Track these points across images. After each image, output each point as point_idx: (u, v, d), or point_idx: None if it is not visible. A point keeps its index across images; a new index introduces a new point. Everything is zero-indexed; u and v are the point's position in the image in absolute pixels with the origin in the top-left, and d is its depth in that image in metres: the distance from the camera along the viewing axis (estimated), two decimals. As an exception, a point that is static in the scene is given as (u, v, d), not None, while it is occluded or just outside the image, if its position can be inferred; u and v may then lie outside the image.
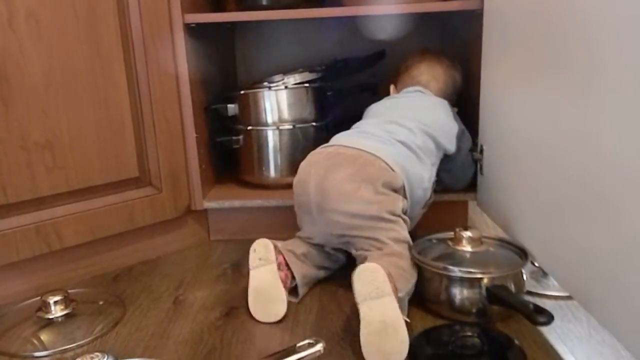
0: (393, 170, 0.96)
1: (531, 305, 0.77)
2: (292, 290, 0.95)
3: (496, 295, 0.82)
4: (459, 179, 1.17)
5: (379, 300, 0.77)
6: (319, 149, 1.03)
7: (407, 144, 1.02)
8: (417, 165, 1.01)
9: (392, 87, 1.26)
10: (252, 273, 0.91)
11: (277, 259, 0.92)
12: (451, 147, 1.10)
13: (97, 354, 0.53)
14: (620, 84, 0.63)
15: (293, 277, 0.94)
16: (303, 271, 0.96)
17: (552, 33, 0.81)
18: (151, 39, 1.07)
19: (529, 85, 0.89)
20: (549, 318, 0.74)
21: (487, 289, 0.83)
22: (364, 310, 0.77)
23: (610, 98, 0.66)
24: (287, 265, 0.94)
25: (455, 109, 1.20)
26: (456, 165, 1.14)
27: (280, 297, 0.89)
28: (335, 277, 1.01)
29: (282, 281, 0.91)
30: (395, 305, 0.77)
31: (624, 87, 0.63)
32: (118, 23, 1.03)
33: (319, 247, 1.01)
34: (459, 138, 1.12)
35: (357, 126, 1.10)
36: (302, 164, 1.01)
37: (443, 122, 1.11)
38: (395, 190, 0.95)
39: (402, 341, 0.75)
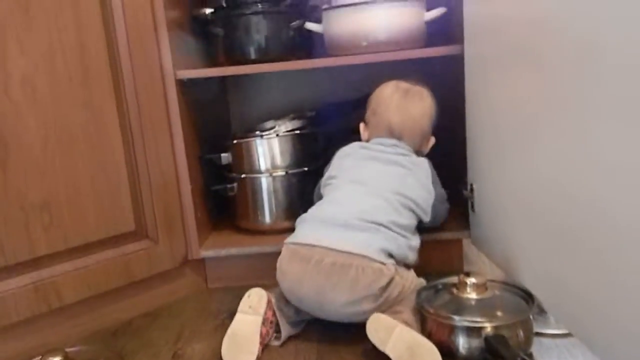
0: (384, 264, 0.95)
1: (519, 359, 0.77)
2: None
3: (492, 345, 0.82)
4: (437, 221, 1.16)
5: (394, 336, 0.85)
6: (301, 250, 0.98)
7: (390, 227, 1.00)
8: (401, 241, 1.01)
9: (362, 125, 1.19)
10: (237, 316, 0.95)
11: (265, 313, 0.95)
12: (428, 215, 1.10)
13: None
14: (612, 117, 0.65)
15: (276, 332, 0.98)
16: (289, 332, 0.99)
17: (529, 72, 0.84)
18: (145, 96, 1.10)
19: (514, 122, 0.91)
20: None
21: (486, 339, 0.83)
22: (391, 353, 0.85)
23: (604, 132, 0.67)
24: (273, 321, 0.97)
25: (433, 141, 1.19)
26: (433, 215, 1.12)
27: (252, 350, 0.92)
28: (335, 325, 1.01)
29: (262, 336, 0.93)
30: (408, 329, 0.85)
31: (609, 118, 0.65)
32: (112, 83, 1.06)
33: None
34: (435, 197, 1.12)
35: (331, 203, 1.06)
36: (289, 273, 0.98)
37: (424, 198, 1.09)
38: (390, 281, 0.95)
39: (431, 350, 0.84)
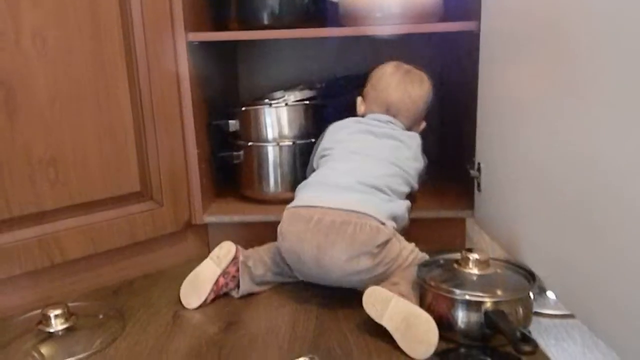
0: (383, 223, 0.98)
1: (518, 334, 0.77)
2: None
3: (491, 320, 0.82)
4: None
5: (390, 308, 0.86)
6: (302, 211, 1.00)
7: (387, 192, 1.05)
8: (399, 203, 1.06)
9: (359, 99, 1.22)
10: (204, 261, 1.03)
11: (227, 266, 1.02)
12: (416, 183, 1.16)
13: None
14: (619, 100, 0.65)
15: (237, 286, 1.04)
16: (249, 288, 1.05)
17: (548, 51, 0.83)
18: (154, 56, 1.09)
19: (527, 102, 0.90)
20: (533, 347, 0.74)
21: (486, 314, 0.83)
22: (387, 324, 0.86)
23: (610, 114, 0.67)
24: (235, 276, 1.03)
25: (424, 125, 1.23)
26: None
27: (201, 294, 1.01)
28: (335, 295, 1.02)
29: (217, 285, 1.02)
30: (404, 301, 0.86)
31: (624, 104, 0.64)
32: (122, 41, 1.05)
33: (285, 269, 1.07)
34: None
35: (331, 169, 1.09)
36: (289, 234, 1.00)
37: (415, 167, 1.14)
38: (388, 240, 0.97)
39: (427, 320, 0.84)
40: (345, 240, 0.95)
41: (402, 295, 0.88)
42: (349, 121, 1.18)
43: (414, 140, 1.16)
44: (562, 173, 0.79)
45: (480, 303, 0.84)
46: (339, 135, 1.15)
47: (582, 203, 0.74)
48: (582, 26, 0.73)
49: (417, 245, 1.05)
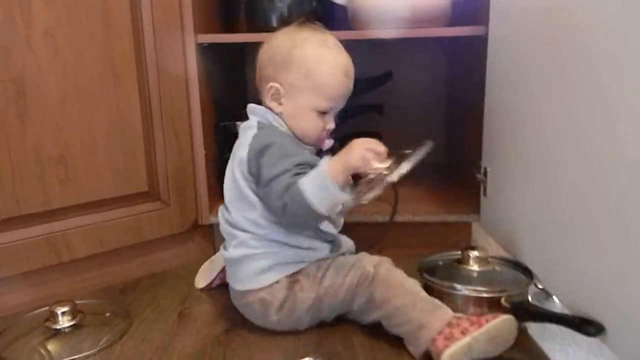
0: None
1: (577, 318, 0.76)
2: None
3: (529, 311, 0.84)
4: None
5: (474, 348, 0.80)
6: None
7: None
8: None
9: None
10: (212, 257, 1.12)
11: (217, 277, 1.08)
12: None
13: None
14: (628, 106, 0.65)
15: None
16: None
17: (556, 56, 0.83)
18: (163, 57, 1.10)
19: (534, 107, 0.90)
20: (598, 328, 0.72)
21: (515, 305, 0.84)
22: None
23: (617, 120, 0.67)
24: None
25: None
26: None
27: (208, 277, 1.08)
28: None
29: (223, 272, 1.03)
30: (472, 333, 0.80)
31: (631, 109, 0.64)
32: (132, 41, 1.06)
33: None
34: None
35: None
36: None
37: None
38: None
39: (504, 321, 0.82)
40: None
41: (455, 322, 0.82)
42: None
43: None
44: (568, 178, 0.80)
45: (495, 298, 0.86)
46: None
47: (587, 208, 0.74)
48: (591, 31, 0.73)
49: (424, 248, 1.05)
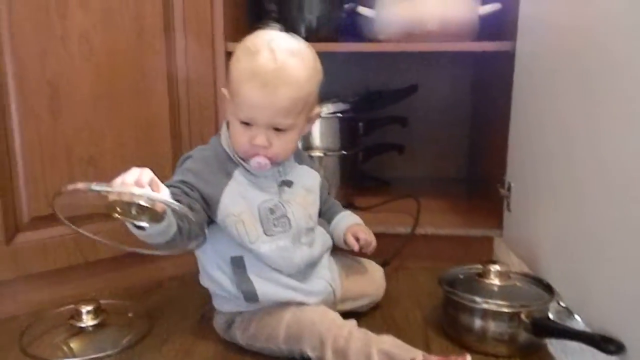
0: None
1: (597, 336, 0.75)
2: None
3: (549, 327, 0.84)
4: None
5: None
6: None
7: None
8: None
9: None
10: None
11: None
12: None
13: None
14: None
15: None
16: None
17: (584, 74, 0.83)
18: (194, 64, 1.12)
19: (561, 124, 0.90)
20: (618, 347, 0.71)
21: (535, 321, 0.84)
22: None
23: None
24: None
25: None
26: None
27: None
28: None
29: None
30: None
31: None
32: (164, 48, 1.08)
33: None
34: None
35: None
36: None
37: None
38: None
39: None
40: None
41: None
42: None
43: None
44: (595, 194, 0.79)
45: (515, 313, 0.85)
46: None
47: (614, 225, 0.74)
48: (620, 49, 0.73)
49: (444, 261, 1.05)
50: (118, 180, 0.69)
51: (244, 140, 0.83)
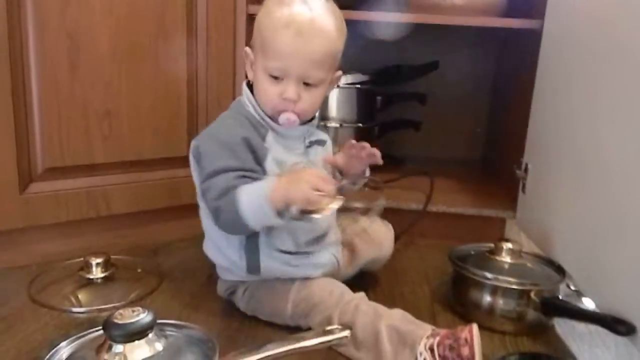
0: None
1: (608, 317, 0.75)
2: None
3: (559, 306, 0.84)
4: None
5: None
6: None
7: None
8: None
9: None
10: None
11: None
12: None
13: (138, 308, 0.56)
14: None
15: None
16: None
17: (612, 56, 0.81)
18: (214, 25, 1.11)
19: (587, 106, 0.88)
20: (629, 328, 0.71)
21: (545, 300, 0.84)
22: None
23: None
24: None
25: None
26: None
27: None
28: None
29: None
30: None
31: None
32: (185, 8, 1.07)
33: None
34: None
35: None
36: None
37: None
38: None
39: None
40: None
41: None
42: None
43: None
44: (619, 179, 0.77)
45: (525, 291, 0.85)
46: None
47: (635, 210, 0.72)
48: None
49: (455, 239, 1.04)
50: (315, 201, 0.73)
51: (273, 94, 0.81)
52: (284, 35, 0.77)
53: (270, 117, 0.84)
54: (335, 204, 0.74)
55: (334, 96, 1.28)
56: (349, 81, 1.29)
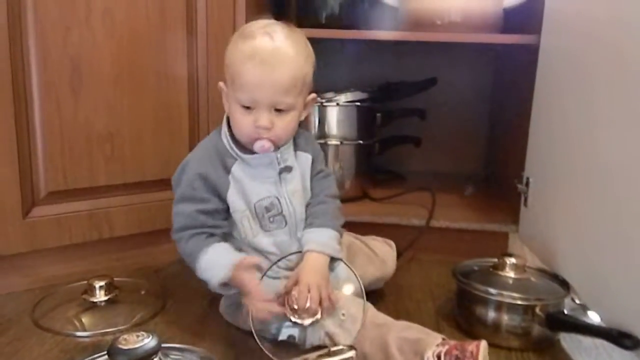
0: None
1: (614, 331, 0.74)
2: None
3: (564, 321, 0.83)
4: None
5: None
6: None
7: None
8: None
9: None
10: None
11: None
12: None
13: (143, 333, 0.56)
14: None
15: None
16: None
17: (608, 71, 0.81)
18: (215, 47, 1.11)
19: (586, 119, 0.89)
20: (635, 342, 0.71)
21: (550, 315, 0.83)
22: None
23: None
24: None
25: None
26: None
27: None
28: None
29: None
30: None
31: None
32: (185, 29, 1.09)
33: None
34: None
35: None
36: None
37: None
38: None
39: None
40: None
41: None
42: None
43: None
44: (619, 192, 0.78)
45: (530, 306, 0.84)
46: None
47: (636, 223, 0.72)
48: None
49: (458, 255, 1.04)
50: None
51: (247, 124, 0.83)
52: (249, 67, 0.80)
53: (244, 147, 0.86)
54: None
55: (334, 114, 1.28)
56: (349, 99, 1.29)
